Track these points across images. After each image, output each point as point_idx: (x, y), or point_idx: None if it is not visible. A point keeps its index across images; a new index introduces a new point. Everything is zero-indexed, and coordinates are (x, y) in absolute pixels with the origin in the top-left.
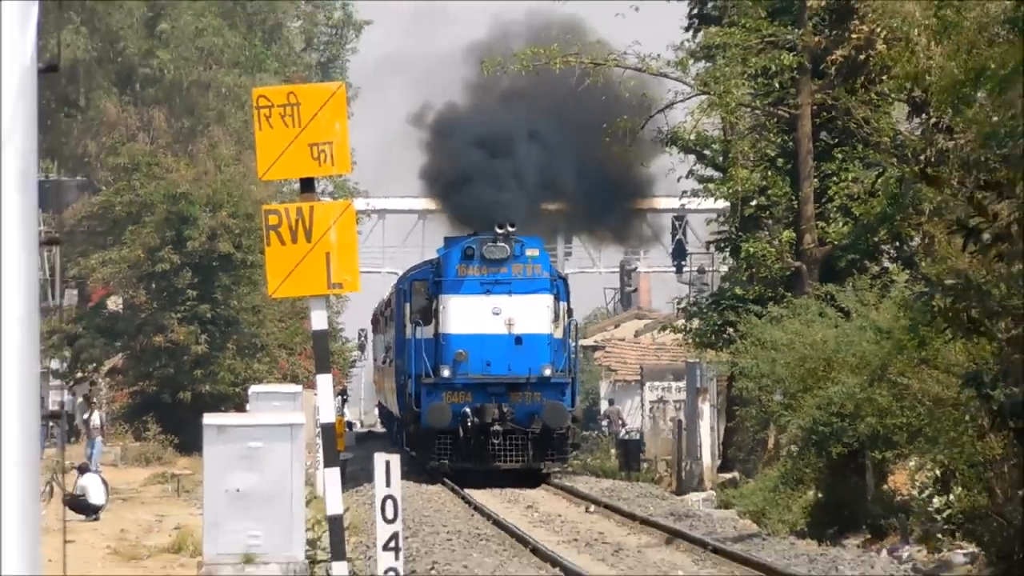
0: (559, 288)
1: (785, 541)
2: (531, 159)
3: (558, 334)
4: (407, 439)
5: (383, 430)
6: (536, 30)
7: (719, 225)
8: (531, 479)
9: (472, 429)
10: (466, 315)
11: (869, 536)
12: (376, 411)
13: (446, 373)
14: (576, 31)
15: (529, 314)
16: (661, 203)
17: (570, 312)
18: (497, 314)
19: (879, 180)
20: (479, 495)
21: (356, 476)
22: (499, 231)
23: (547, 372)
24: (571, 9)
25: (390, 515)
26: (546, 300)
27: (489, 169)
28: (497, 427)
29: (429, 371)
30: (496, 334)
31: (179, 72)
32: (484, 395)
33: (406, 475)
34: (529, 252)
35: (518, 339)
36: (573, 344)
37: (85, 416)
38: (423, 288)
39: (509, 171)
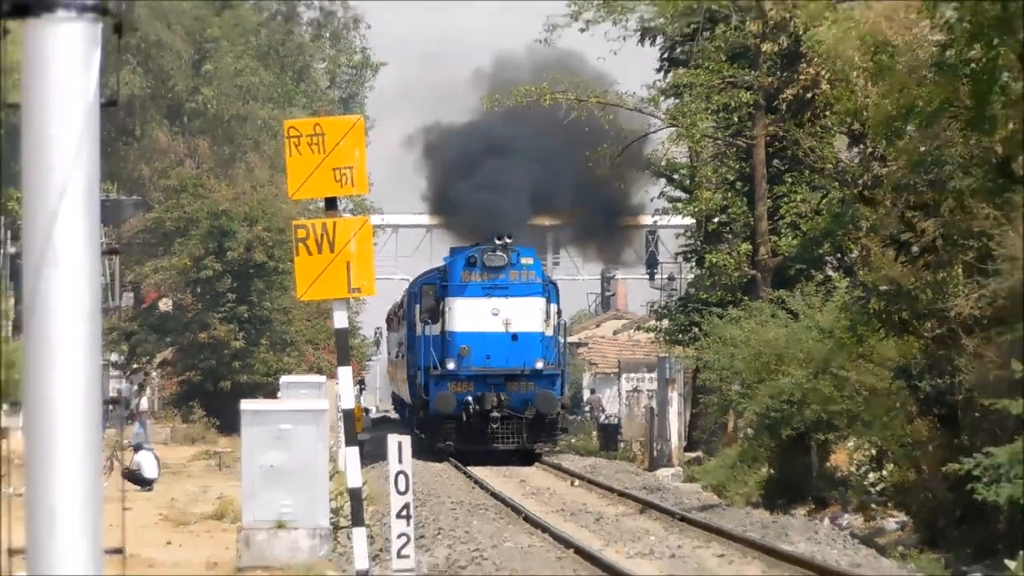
0: (550, 292)
1: (742, 511)
2: (527, 176)
3: (549, 332)
4: (417, 423)
5: (396, 416)
6: (537, 64)
7: (686, 239)
8: (526, 458)
9: (474, 415)
10: (469, 315)
11: (814, 506)
12: (391, 399)
13: (451, 366)
14: (571, 68)
15: (524, 314)
16: (637, 219)
17: (559, 313)
18: (496, 314)
19: (823, 201)
20: (479, 471)
21: (373, 454)
22: (498, 242)
23: (539, 365)
24: (565, 43)
25: (402, 487)
26: (539, 302)
27: (489, 184)
28: (496, 413)
29: (436, 364)
30: (495, 332)
31: (221, 106)
32: (484, 385)
33: (416, 455)
34: (524, 260)
35: (514, 336)
36: (562, 341)
37: (136, 401)
38: (431, 291)
39: (507, 186)
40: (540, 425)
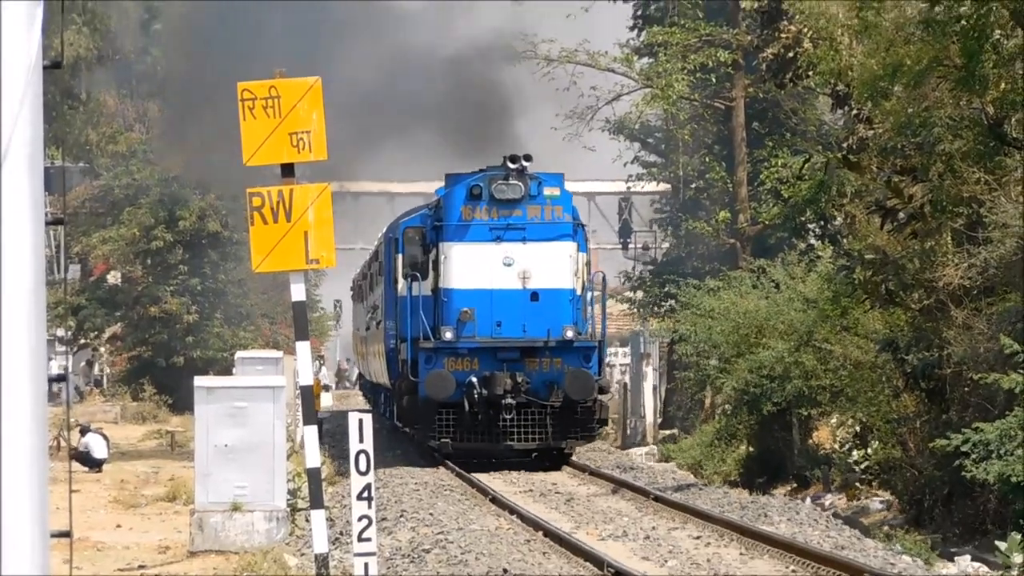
0: (580, 236)
1: (719, 490)
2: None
3: (580, 290)
4: (399, 413)
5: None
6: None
7: (661, 206)
8: (549, 460)
9: (480, 402)
10: (472, 267)
11: (795, 485)
12: (357, 380)
13: (448, 336)
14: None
15: (548, 265)
16: (609, 186)
17: (589, 264)
18: (509, 265)
19: (806, 165)
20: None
21: (332, 432)
22: (512, 166)
23: (569, 334)
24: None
25: (363, 468)
26: (568, 249)
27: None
28: (510, 400)
29: (428, 333)
30: (508, 289)
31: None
32: (494, 362)
33: (398, 459)
34: (548, 191)
35: (534, 295)
36: (595, 301)
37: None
38: (419, 236)
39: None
40: (571, 416)
